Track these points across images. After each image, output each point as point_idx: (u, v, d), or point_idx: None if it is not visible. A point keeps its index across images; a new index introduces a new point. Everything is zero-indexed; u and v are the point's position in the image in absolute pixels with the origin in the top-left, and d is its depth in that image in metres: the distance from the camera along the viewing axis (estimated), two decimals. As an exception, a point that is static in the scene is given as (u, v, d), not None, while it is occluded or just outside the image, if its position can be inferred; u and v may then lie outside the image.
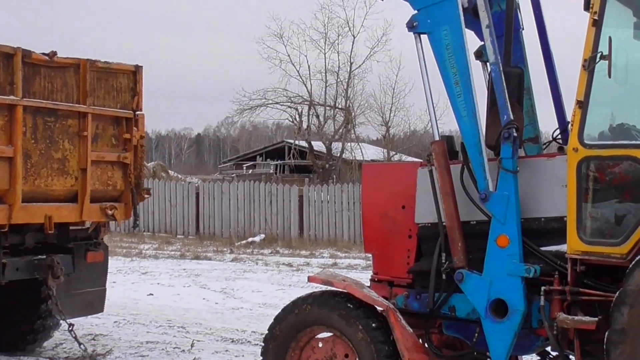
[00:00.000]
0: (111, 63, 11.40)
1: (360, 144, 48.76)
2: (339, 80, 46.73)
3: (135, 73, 11.68)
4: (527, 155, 8.09)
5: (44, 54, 10.50)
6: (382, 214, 8.45)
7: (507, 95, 7.42)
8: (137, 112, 11.66)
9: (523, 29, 8.42)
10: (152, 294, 17.39)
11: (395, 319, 7.56)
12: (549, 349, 7.68)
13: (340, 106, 46.97)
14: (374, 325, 7.57)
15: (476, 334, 7.67)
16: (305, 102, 47.04)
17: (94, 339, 12.49)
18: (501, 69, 7.49)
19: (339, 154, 46.22)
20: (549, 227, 7.39)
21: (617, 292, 6.59)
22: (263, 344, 8.15)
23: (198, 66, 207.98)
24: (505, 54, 7.87)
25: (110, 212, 11.28)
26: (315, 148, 47.67)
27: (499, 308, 7.38)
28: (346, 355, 7.76)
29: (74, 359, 11.33)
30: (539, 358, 8.09)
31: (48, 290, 10.81)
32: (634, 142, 7.00)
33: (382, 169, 9.16)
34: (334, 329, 7.78)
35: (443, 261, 7.76)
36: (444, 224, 7.73)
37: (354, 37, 46.65)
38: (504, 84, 7.44)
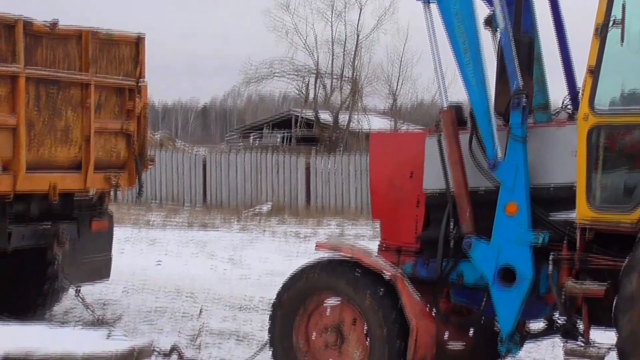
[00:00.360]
0: (113, 32, 11.38)
1: (367, 114, 48.68)
2: (345, 50, 46.69)
3: (137, 42, 11.69)
4: (536, 123, 8.07)
5: (45, 24, 10.49)
6: (390, 181, 8.45)
7: (516, 63, 7.39)
8: (140, 82, 11.68)
9: None
10: (160, 263, 17.43)
11: (403, 286, 7.57)
12: (556, 315, 7.67)
13: (347, 77, 46.91)
14: (381, 291, 7.59)
15: (484, 301, 7.69)
16: (312, 73, 46.98)
17: (103, 306, 12.54)
18: (511, 36, 7.45)
19: (345, 125, 46.14)
20: (558, 194, 7.37)
21: (626, 259, 6.59)
22: (271, 311, 8.17)
23: (204, 37, 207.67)
24: (515, 21, 7.81)
25: (114, 181, 11.34)
26: (322, 119, 47.60)
27: (507, 275, 7.39)
28: (354, 321, 7.77)
29: (85, 325, 11.25)
30: (546, 324, 8.02)
31: (54, 257, 10.87)
32: None
33: (390, 138, 9.31)
34: (342, 295, 7.79)
35: (451, 229, 7.77)
36: (452, 191, 7.72)
37: (361, 8, 46.55)
38: (514, 52, 7.40)
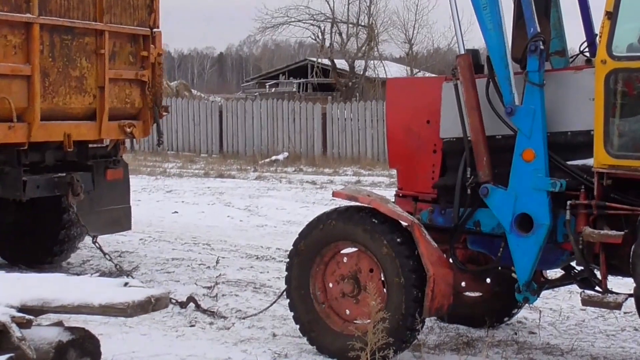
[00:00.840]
0: None
1: (383, 61, 48.36)
2: (361, -3, 46.31)
3: None
4: (553, 68, 7.96)
5: None
6: (407, 129, 8.38)
7: (534, 8, 7.30)
8: (154, 30, 11.60)
9: None
10: (176, 212, 17.41)
11: (420, 234, 7.55)
12: (574, 263, 7.66)
13: (363, 23, 46.58)
14: (398, 239, 7.55)
15: (501, 249, 7.66)
16: (328, 20, 46.64)
17: (120, 256, 12.56)
18: None
19: (361, 72, 45.92)
20: (576, 140, 7.31)
21: None
22: (288, 259, 8.17)
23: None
24: None
25: (128, 130, 11.34)
26: (338, 66, 47.34)
27: (524, 222, 7.36)
28: (371, 270, 7.76)
29: (102, 274, 11.15)
30: (563, 272, 8.07)
31: (69, 206, 10.88)
32: None
33: (407, 84, 9.20)
34: (359, 243, 7.78)
35: (468, 176, 7.71)
36: (469, 138, 7.66)
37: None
38: None
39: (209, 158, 30.79)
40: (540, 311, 9.25)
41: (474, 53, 7.91)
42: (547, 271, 8.45)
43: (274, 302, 9.15)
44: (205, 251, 13.19)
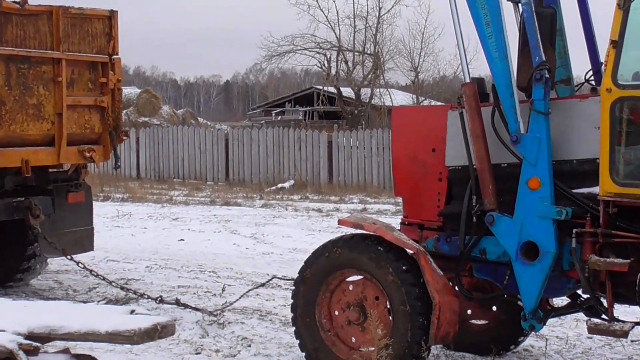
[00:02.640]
0: (85, 9, 11.57)
1: (389, 89, 48.45)
2: (367, 25, 46.31)
3: (110, 18, 11.86)
4: (559, 97, 8.00)
5: (14, 1, 10.68)
6: (413, 157, 8.42)
7: (539, 36, 7.34)
8: (114, 57, 11.88)
9: None
10: (183, 240, 17.42)
11: (426, 262, 7.57)
12: (580, 291, 7.67)
13: (369, 52, 46.61)
14: (404, 267, 7.58)
15: (507, 277, 7.68)
16: (334, 48, 46.70)
17: (126, 284, 12.53)
18: (533, 9, 7.39)
19: (368, 100, 45.98)
20: (581, 169, 7.33)
21: None
22: (294, 287, 8.19)
23: (226, 11, 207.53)
24: None
25: (88, 155, 11.65)
26: (344, 94, 47.36)
27: (530, 250, 7.37)
28: (377, 298, 7.78)
29: (108, 302, 11.43)
30: (570, 301, 8.06)
31: (32, 230, 11.21)
32: None
33: (413, 112, 9.18)
34: (365, 271, 7.80)
35: (474, 204, 7.73)
36: (474, 166, 7.68)
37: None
38: (536, 25, 7.35)
39: (215, 186, 30.73)
40: (546, 339, 9.24)
41: (479, 81, 7.97)
42: (554, 299, 8.42)
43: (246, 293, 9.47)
44: (211, 279, 13.21)
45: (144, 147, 33.19)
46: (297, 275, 8.15)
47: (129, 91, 47.25)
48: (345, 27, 46.90)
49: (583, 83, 8.25)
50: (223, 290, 11.97)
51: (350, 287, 7.92)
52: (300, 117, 54.64)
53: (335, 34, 46.44)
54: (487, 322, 8.91)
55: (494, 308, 8.72)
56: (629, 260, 6.80)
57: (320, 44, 46.58)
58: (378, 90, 47.00)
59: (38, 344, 6.23)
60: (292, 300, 8.22)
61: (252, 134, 32.22)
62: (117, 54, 11.92)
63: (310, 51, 46.97)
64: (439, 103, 42.57)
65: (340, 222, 8.19)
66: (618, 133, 6.88)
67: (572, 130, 7.42)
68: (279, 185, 29.33)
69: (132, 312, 6.65)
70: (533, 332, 8.45)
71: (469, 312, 8.65)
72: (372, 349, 7.59)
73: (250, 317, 10.52)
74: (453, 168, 8.08)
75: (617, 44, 6.87)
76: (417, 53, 48.35)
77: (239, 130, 33.92)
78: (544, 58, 7.28)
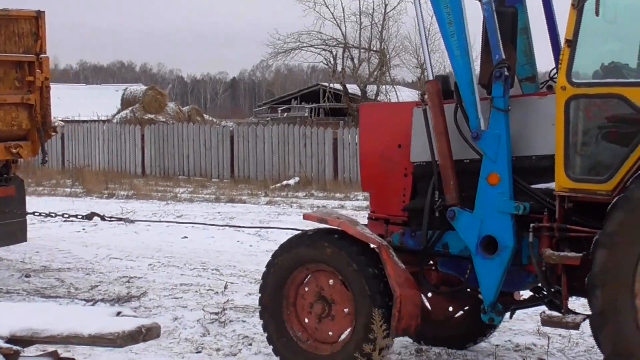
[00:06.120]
0: (10, 10, 11.88)
1: (395, 86, 48.56)
2: (373, 22, 46.48)
3: (37, 18, 12.17)
4: (526, 93, 8.13)
5: None
6: (379, 153, 8.52)
7: (499, 35, 7.44)
8: (41, 55, 12.20)
9: None
10: (186, 237, 17.32)
11: (388, 256, 7.68)
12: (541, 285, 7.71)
13: (374, 48, 46.72)
14: (366, 261, 7.69)
15: (468, 271, 7.78)
16: (340, 45, 46.84)
17: (128, 281, 12.72)
18: (494, 8, 7.50)
19: (373, 97, 45.95)
20: (540, 165, 7.42)
21: (597, 235, 6.68)
22: (261, 281, 8.32)
23: (232, 8, 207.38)
24: None
25: (14, 150, 12.07)
26: (350, 91, 47.47)
27: (490, 245, 7.47)
28: (340, 292, 7.92)
29: (110, 299, 11.56)
30: (532, 294, 8.14)
31: None
32: (621, 80, 7.02)
33: (380, 109, 9.37)
34: (328, 265, 7.92)
35: (436, 199, 7.84)
36: (437, 162, 7.79)
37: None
38: (497, 23, 7.46)
39: (220, 183, 30.67)
40: (549, 337, 9.22)
41: (444, 79, 8.07)
42: (521, 292, 8.52)
43: None
44: (214, 276, 13.26)
45: (149, 144, 33.20)
46: (264, 269, 8.30)
47: (135, 88, 47.27)
48: (351, 24, 47.01)
49: (547, 81, 8.30)
50: (225, 288, 12.01)
51: (315, 281, 8.07)
52: (306, 114, 54.59)
53: (341, 30, 46.58)
54: (453, 314, 9.03)
55: (459, 301, 8.85)
56: (581, 254, 6.89)
57: (326, 41, 46.73)
58: (384, 87, 47.05)
59: (18, 348, 6.24)
60: (259, 294, 8.36)
61: (257, 131, 32.15)
62: (44, 52, 12.25)
63: (316, 48, 47.18)
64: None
65: (306, 217, 8.34)
66: (572, 130, 7.00)
67: (532, 127, 7.53)
68: (284, 182, 29.30)
69: (118, 313, 6.63)
70: (493, 324, 8.49)
71: (435, 305, 8.80)
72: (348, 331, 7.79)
73: (252, 315, 10.48)
74: (418, 164, 8.20)
75: (571, 43, 6.99)
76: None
77: (244, 127, 33.85)
78: (503, 56, 7.39)
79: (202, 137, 32.73)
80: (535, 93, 8.11)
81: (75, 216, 11.74)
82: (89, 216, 11.10)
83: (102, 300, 11.53)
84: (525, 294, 8.43)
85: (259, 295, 8.31)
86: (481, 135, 7.49)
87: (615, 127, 6.99)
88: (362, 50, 46.98)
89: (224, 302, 11.10)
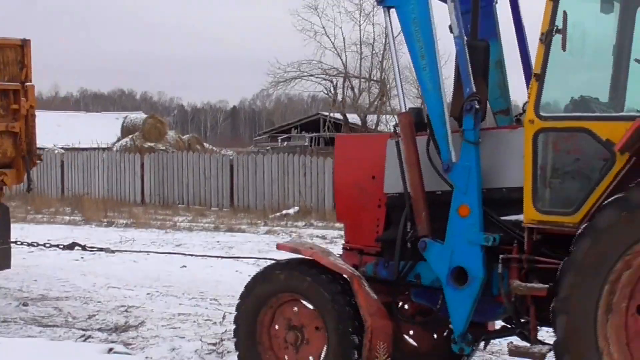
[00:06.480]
0: None
1: (395, 116, 48.58)
2: (374, 52, 46.58)
3: (22, 47, 12.29)
4: (497, 126, 8.21)
5: None
6: (354, 184, 8.59)
7: (469, 69, 7.52)
8: (27, 84, 12.30)
9: (497, 2, 8.52)
10: (185, 266, 17.13)
11: (359, 286, 7.75)
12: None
13: (375, 78, 46.87)
14: (339, 291, 7.77)
15: (440, 301, 7.81)
16: (340, 75, 46.98)
17: (126, 311, 12.69)
18: (465, 42, 7.59)
19: (374, 127, 46.03)
20: (511, 196, 7.45)
21: (562, 261, 6.74)
22: (235, 312, 8.42)
23: (233, 37, 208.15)
24: (472, 27, 7.97)
25: None
26: (350, 120, 47.41)
27: (460, 276, 7.52)
28: (312, 321, 8.00)
29: (107, 329, 11.49)
30: (505, 325, 8.18)
31: None
32: (587, 114, 7.10)
33: (354, 140, 9.43)
34: (301, 295, 8.01)
35: (408, 230, 7.89)
36: (409, 193, 7.85)
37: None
38: (467, 57, 7.54)
39: (220, 212, 30.55)
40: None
41: (417, 111, 8.14)
42: (495, 322, 8.56)
43: None
44: (212, 306, 13.22)
45: (148, 172, 33.24)
46: (239, 300, 8.39)
47: (135, 116, 47.48)
48: (351, 54, 47.05)
49: (521, 113, 8.19)
50: (224, 318, 11.96)
51: (288, 311, 8.14)
52: (307, 143, 54.55)
53: (341, 60, 46.68)
54: (427, 345, 9.05)
55: (433, 331, 8.89)
56: (547, 285, 6.94)
57: (327, 70, 46.90)
58: (384, 116, 47.07)
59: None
60: (234, 325, 8.44)
61: (257, 159, 32.17)
62: (30, 81, 12.34)
63: (316, 77, 47.36)
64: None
65: (279, 247, 8.41)
66: (540, 163, 7.09)
67: (503, 159, 7.60)
68: (284, 212, 29.28)
69: (110, 350, 6.68)
70: (463, 354, 8.34)
71: (413, 335, 8.85)
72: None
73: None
74: (391, 195, 8.26)
75: (539, 77, 7.08)
76: (423, 80, 48.43)
77: (244, 156, 33.89)
78: (474, 89, 7.46)
79: (201, 166, 32.75)
80: (506, 126, 8.20)
81: (57, 246, 11.95)
82: (70, 246, 11.34)
83: (99, 329, 11.50)
84: (499, 324, 8.47)
85: (243, 291, 8.39)
86: (452, 168, 7.56)
87: (581, 161, 7.07)
88: (362, 79, 47.08)
89: (222, 333, 11.10)
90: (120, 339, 10.86)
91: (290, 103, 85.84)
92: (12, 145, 12.36)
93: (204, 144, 46.07)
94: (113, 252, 13.79)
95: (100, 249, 12.55)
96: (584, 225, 6.71)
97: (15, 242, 12.63)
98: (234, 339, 8.46)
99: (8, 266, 12.86)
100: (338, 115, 48.76)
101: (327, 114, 52.14)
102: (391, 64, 47.39)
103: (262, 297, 8.24)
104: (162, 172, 33.12)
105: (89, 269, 16.63)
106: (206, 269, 17.09)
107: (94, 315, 12.44)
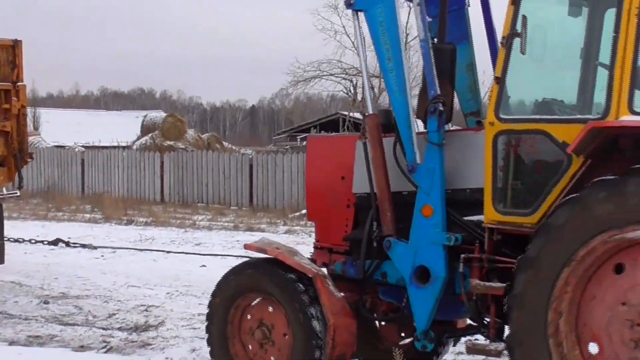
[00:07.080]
0: None
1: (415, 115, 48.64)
2: (394, 51, 46.62)
3: (14, 47, 12.46)
4: (461, 128, 8.33)
5: None
6: (324, 184, 8.74)
7: (434, 71, 7.62)
8: (18, 84, 12.48)
9: (469, 5, 8.61)
10: (204, 266, 17.19)
11: (323, 285, 7.89)
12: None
13: (395, 78, 46.85)
14: (303, 290, 7.91)
15: (404, 299, 7.93)
16: (360, 74, 47.13)
17: (146, 310, 12.76)
18: (430, 45, 7.68)
19: (393, 126, 45.97)
20: (474, 197, 7.56)
21: (517, 259, 6.82)
22: (207, 311, 8.59)
23: (252, 37, 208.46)
24: (439, 30, 8.11)
25: None
26: (369, 120, 47.54)
27: (423, 275, 7.64)
28: (278, 320, 8.14)
29: (127, 328, 11.64)
30: (470, 323, 8.32)
31: None
32: (544, 116, 7.18)
33: (325, 142, 9.52)
34: (267, 294, 8.13)
35: (374, 229, 8.02)
36: (375, 194, 7.97)
37: (410, 8, 46.40)
38: (432, 60, 7.64)
39: (239, 211, 30.50)
40: None
41: (386, 113, 8.21)
42: (466, 320, 8.65)
43: None
44: None
45: (168, 171, 33.30)
46: (210, 298, 8.58)
47: (155, 115, 47.61)
48: (371, 53, 46.95)
49: None
50: None
51: (256, 309, 8.29)
52: (326, 143, 54.46)
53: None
54: (395, 342, 9.15)
55: (401, 329, 9.04)
56: (504, 284, 7.02)
57: (346, 70, 46.76)
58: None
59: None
60: (206, 323, 8.60)
61: (277, 159, 32.14)
62: (21, 81, 12.52)
63: (336, 77, 47.25)
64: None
65: (246, 247, 8.54)
66: (500, 164, 7.17)
67: (466, 160, 7.71)
68: (303, 211, 28.24)
69: None
70: (425, 352, 8.38)
71: (386, 331, 9.02)
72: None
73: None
74: (359, 195, 8.39)
75: (500, 80, 7.15)
76: (442, 79, 48.42)
77: (263, 156, 33.81)
78: (438, 92, 7.57)
79: (221, 165, 32.77)
80: (470, 128, 8.30)
81: (42, 242, 12.34)
82: (54, 242, 11.76)
83: (119, 329, 11.60)
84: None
85: (214, 290, 8.59)
86: (416, 169, 7.67)
87: (539, 162, 7.17)
88: (382, 79, 47.07)
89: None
90: (140, 338, 11.06)
91: (309, 102, 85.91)
92: (3, 144, 12.55)
93: (223, 142, 46.03)
94: (95, 248, 14.34)
95: (83, 245, 12.85)
96: (540, 224, 6.83)
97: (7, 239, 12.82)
98: (207, 335, 8.62)
99: (1, 261, 12.98)
100: (357, 115, 48.66)
101: (346, 113, 52.03)
102: (414, 64, 47.81)
103: (230, 296, 8.43)
104: (182, 170, 33.11)
105: (109, 267, 16.80)
106: (226, 268, 16.47)
107: (114, 314, 12.53)
